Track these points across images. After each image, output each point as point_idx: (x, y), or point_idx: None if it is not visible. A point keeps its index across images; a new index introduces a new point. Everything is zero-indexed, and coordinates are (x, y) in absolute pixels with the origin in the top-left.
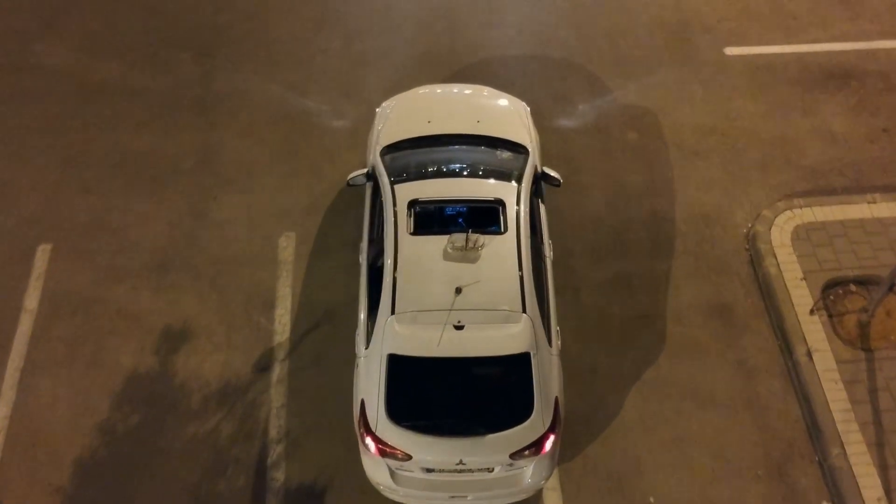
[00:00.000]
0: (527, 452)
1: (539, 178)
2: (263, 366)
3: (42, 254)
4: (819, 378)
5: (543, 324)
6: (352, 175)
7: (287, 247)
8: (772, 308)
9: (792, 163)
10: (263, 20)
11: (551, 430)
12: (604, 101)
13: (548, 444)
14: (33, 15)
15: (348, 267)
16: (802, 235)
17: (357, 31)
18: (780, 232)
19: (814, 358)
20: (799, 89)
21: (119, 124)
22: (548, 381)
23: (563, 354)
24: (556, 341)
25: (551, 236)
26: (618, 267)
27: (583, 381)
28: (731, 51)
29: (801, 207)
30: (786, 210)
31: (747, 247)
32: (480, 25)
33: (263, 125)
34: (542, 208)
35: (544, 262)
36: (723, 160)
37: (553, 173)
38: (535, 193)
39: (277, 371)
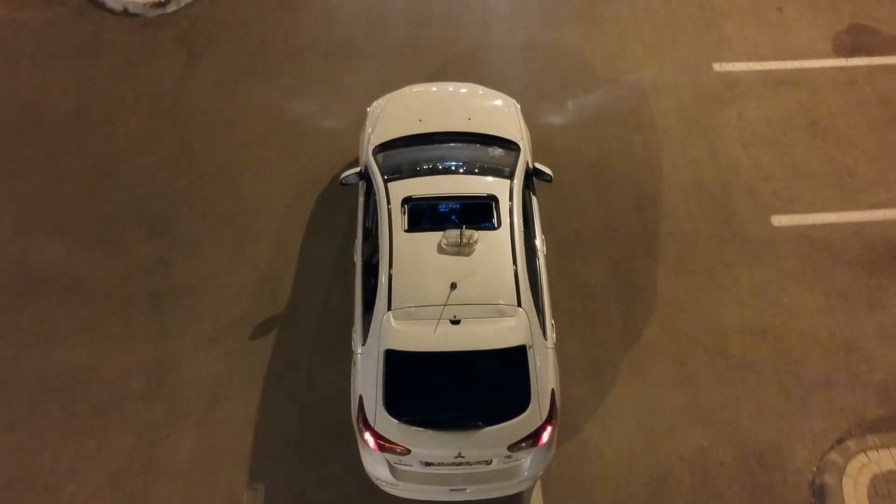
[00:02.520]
0: (524, 444)
1: (531, 174)
2: None
3: None
4: None
5: (538, 317)
6: (344, 174)
7: None
8: None
9: (860, 378)
10: (233, 178)
11: (548, 421)
12: (634, 296)
13: (545, 436)
14: None
15: None
16: (882, 490)
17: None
18: (855, 486)
19: None
20: (862, 273)
21: (56, 332)
22: (544, 374)
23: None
24: (552, 334)
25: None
26: None
27: None
28: (778, 220)
29: (877, 449)
30: (858, 453)
31: (814, 503)
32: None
33: (229, 332)
34: (535, 203)
35: (538, 257)
36: (777, 375)
37: (545, 169)
38: (528, 188)
39: None
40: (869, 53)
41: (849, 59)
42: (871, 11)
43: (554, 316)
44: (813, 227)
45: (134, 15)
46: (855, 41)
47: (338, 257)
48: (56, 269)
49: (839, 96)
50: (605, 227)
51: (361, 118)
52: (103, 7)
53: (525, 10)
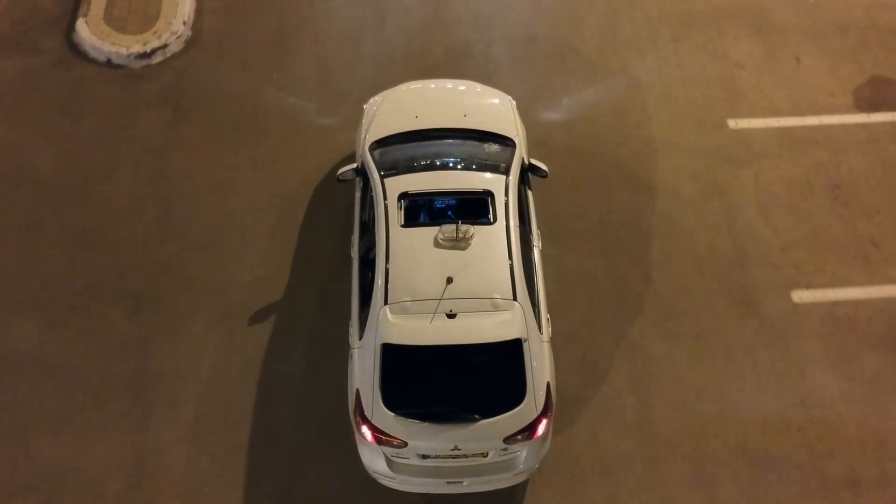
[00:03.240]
0: (520, 437)
1: (527, 170)
2: None
3: None
4: None
5: (534, 311)
6: (341, 170)
7: None
8: None
9: (890, 477)
10: (220, 248)
11: (543, 414)
12: (647, 380)
13: (540, 428)
14: None
15: None
16: None
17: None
18: None
19: None
20: (890, 356)
21: (29, 425)
22: (539, 367)
23: None
24: (547, 328)
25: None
26: None
27: None
28: (799, 296)
29: None
30: None
31: None
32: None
33: (215, 430)
34: (531, 199)
35: (533, 251)
36: (801, 472)
37: (540, 164)
38: (523, 183)
39: None
40: (892, 109)
41: (871, 115)
42: (894, 62)
43: (561, 401)
44: (836, 303)
45: (117, 66)
46: (877, 95)
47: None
48: (29, 352)
49: (861, 156)
50: (614, 302)
51: (359, 117)
52: (85, 57)
53: (530, 65)
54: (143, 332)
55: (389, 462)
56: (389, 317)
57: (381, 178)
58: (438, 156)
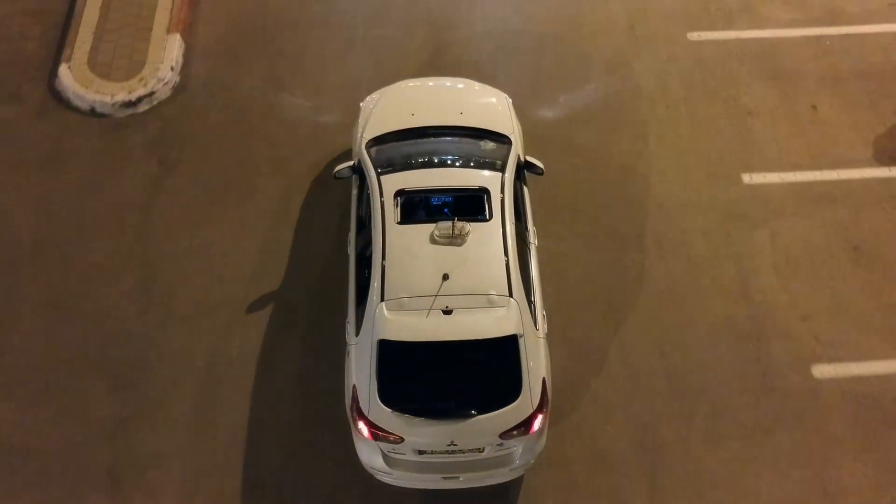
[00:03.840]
0: (516, 432)
1: (523, 167)
2: None
3: None
4: None
5: (530, 308)
6: (338, 168)
7: None
8: None
9: None
10: (207, 319)
11: (539, 409)
12: (659, 467)
13: (536, 424)
14: None
15: None
16: None
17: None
18: None
19: None
20: None
21: None
22: (535, 363)
23: None
24: (543, 324)
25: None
26: None
27: None
28: (820, 371)
29: None
30: None
31: None
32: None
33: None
34: (527, 196)
35: (529, 248)
36: None
37: (536, 162)
38: (519, 180)
39: None
40: None
41: (892, 170)
42: None
43: (564, 485)
44: (859, 378)
45: (101, 115)
46: None
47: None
48: (1, 436)
49: (883, 214)
50: (626, 378)
51: (356, 114)
52: (68, 105)
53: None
54: (125, 412)
55: (386, 458)
56: (386, 313)
57: (378, 175)
58: (435, 153)
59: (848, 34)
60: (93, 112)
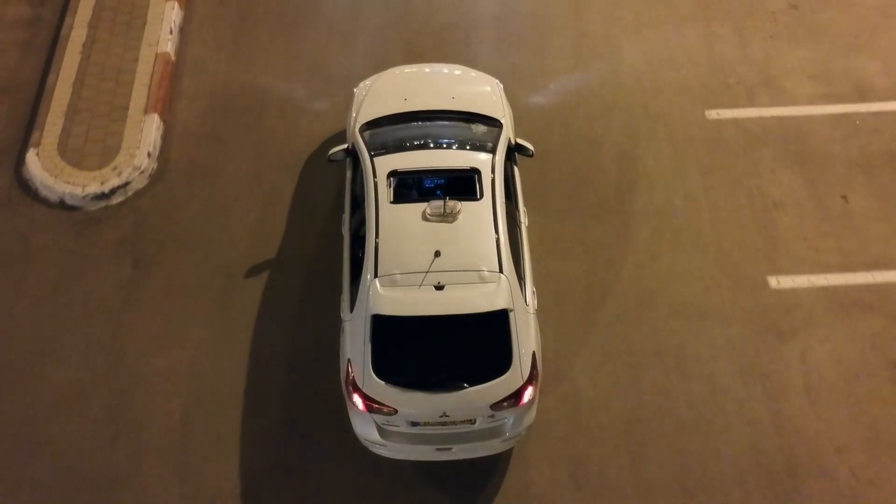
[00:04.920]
0: (506, 404)
1: (513, 149)
2: None
3: None
4: None
5: (520, 284)
6: (332, 151)
7: None
8: None
9: None
10: (178, 452)
11: (529, 382)
12: None
13: (526, 395)
14: None
15: None
16: None
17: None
18: None
19: None
20: None
21: None
22: (525, 337)
23: None
24: (533, 301)
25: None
26: None
27: None
28: None
29: None
30: None
31: None
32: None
33: None
34: (518, 177)
35: (520, 227)
36: None
37: (527, 144)
38: (509, 160)
39: None
40: None
41: None
42: None
43: None
44: None
45: (72, 208)
46: None
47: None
48: None
49: None
50: None
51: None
52: (35, 196)
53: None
54: None
55: (381, 430)
56: (379, 289)
57: (371, 157)
58: (427, 136)
59: (879, 112)
60: (62, 204)
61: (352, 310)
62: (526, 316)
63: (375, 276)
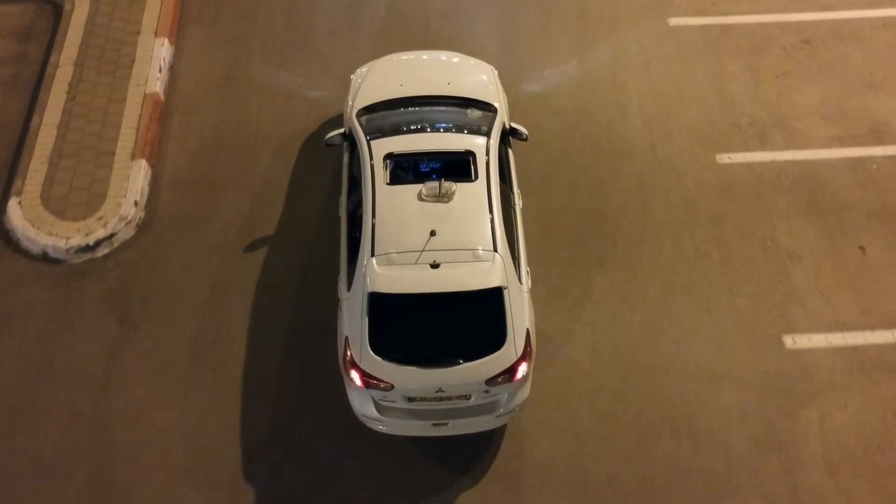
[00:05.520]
0: (500, 379)
1: (508, 133)
2: None
3: None
4: None
5: (514, 264)
6: (329, 135)
7: None
8: None
9: None
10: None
11: (523, 358)
12: None
13: (520, 371)
14: None
15: None
16: None
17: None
18: None
19: None
20: None
21: None
22: (519, 314)
23: None
24: (527, 280)
25: None
26: None
27: None
28: None
29: None
30: None
31: None
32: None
33: None
34: (512, 160)
35: (514, 209)
36: None
37: (520, 128)
38: (503, 142)
39: None
40: None
41: None
42: None
43: None
44: None
45: (55, 261)
46: None
47: None
48: None
49: None
50: None
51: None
52: (17, 248)
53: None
54: None
55: (378, 406)
56: (376, 268)
57: (368, 140)
58: (423, 120)
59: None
60: (45, 257)
61: (349, 289)
62: (520, 294)
63: (372, 255)
